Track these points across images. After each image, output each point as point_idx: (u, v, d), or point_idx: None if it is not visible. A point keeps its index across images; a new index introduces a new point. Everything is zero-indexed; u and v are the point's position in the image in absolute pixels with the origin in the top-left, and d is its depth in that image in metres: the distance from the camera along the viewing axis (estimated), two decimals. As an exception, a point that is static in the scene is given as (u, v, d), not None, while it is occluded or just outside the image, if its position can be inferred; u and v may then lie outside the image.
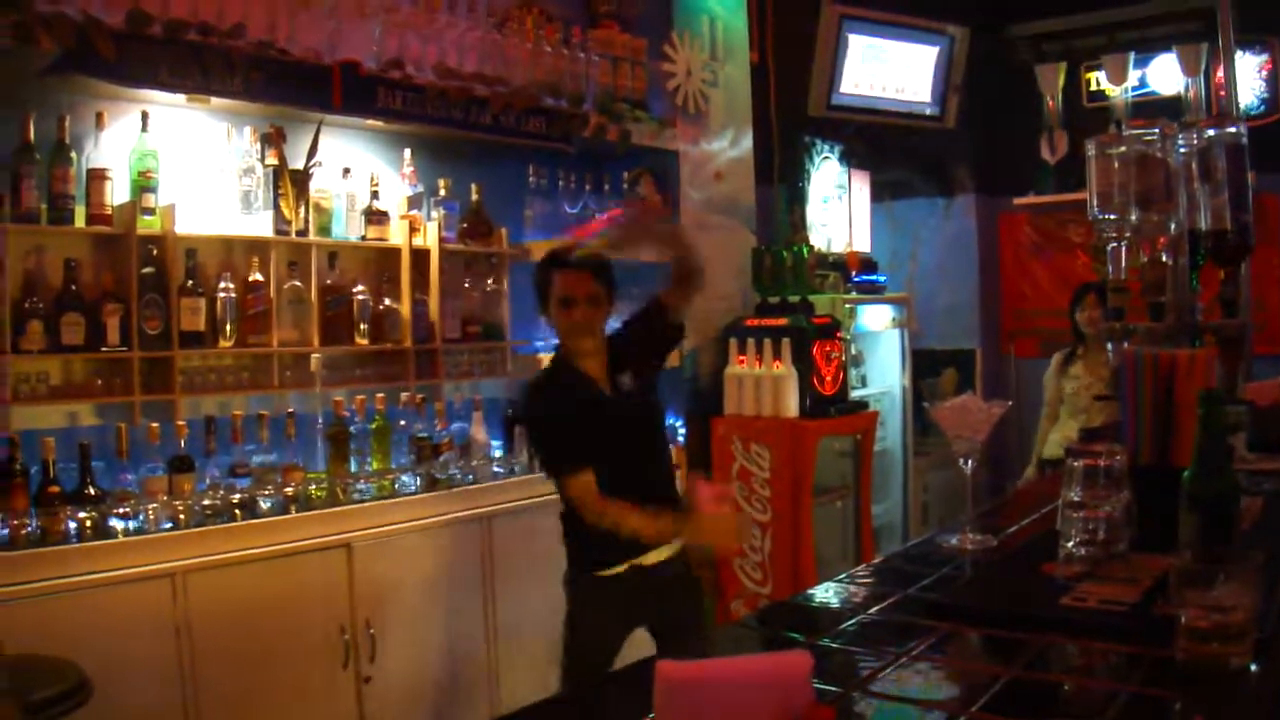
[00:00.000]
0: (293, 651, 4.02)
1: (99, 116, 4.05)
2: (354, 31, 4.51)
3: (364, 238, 4.84)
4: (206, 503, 3.98)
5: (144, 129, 4.13)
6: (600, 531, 3.51)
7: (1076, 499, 2.35)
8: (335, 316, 4.67)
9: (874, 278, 7.04)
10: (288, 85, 4.33)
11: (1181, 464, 2.12)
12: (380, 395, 4.71)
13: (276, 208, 4.46)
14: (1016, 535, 2.89)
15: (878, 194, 7.88)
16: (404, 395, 4.81)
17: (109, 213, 4.03)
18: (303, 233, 4.55)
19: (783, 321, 5.79)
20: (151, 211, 4.10)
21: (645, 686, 1.43)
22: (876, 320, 6.98)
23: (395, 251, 4.94)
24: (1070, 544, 2.36)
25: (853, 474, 6.19)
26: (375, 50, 4.59)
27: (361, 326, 4.74)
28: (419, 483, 4.65)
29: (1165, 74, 7.78)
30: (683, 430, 6.00)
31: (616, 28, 5.80)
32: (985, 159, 8.55)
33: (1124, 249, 3.11)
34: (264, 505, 4.11)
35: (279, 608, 3.99)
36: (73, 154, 3.95)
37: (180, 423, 4.06)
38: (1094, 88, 8.15)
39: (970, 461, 2.86)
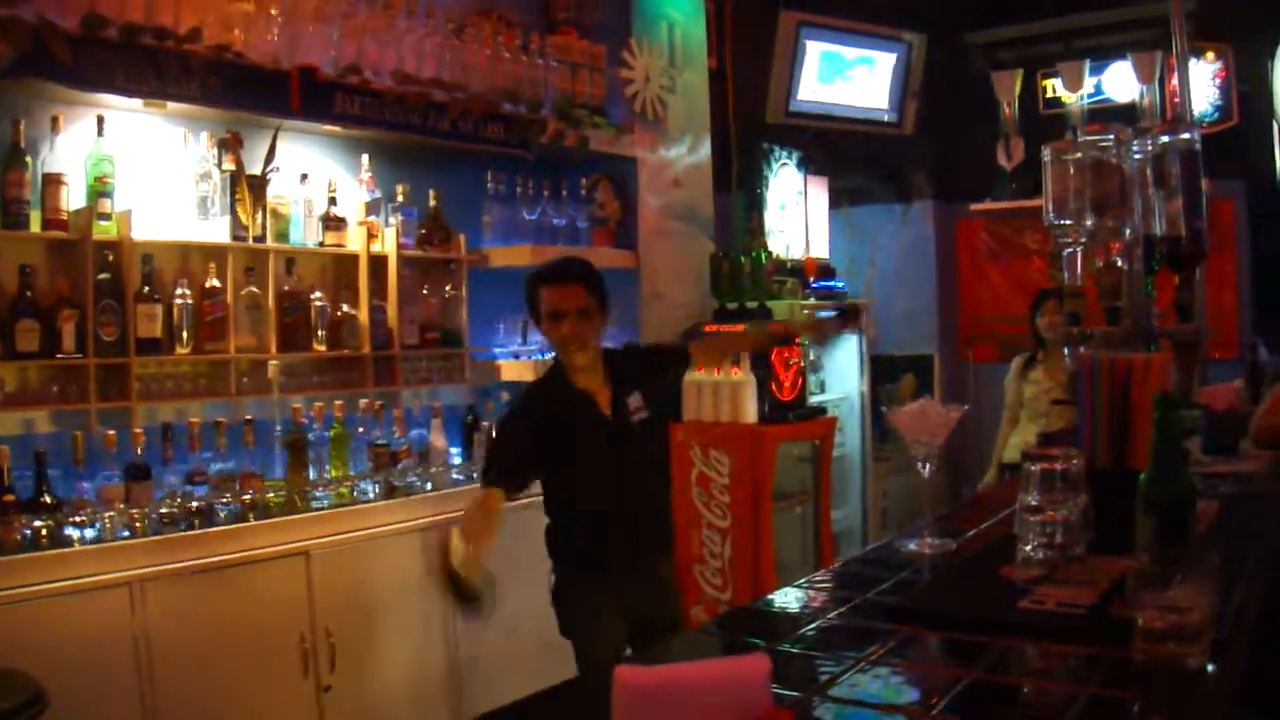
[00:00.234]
0: (252, 660, 4.00)
1: (54, 120, 4.02)
2: (312, 36, 4.50)
3: (322, 244, 4.82)
4: (164, 511, 3.95)
5: (100, 133, 4.11)
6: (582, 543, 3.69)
7: (1034, 503, 2.36)
8: (293, 323, 4.65)
9: (832, 284, 7.06)
10: (245, 90, 4.30)
11: (1138, 467, 2.14)
12: (338, 402, 4.70)
13: (233, 213, 4.43)
14: (975, 539, 2.89)
15: (836, 200, 7.91)
16: (362, 402, 4.81)
17: (64, 218, 4.00)
18: (260, 239, 4.53)
19: (741, 327, 5.79)
20: (108, 217, 4.07)
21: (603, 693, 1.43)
22: (835, 326, 6.99)
23: (353, 258, 4.92)
24: (1028, 547, 2.37)
25: (812, 479, 6.19)
26: (333, 55, 4.58)
27: (319, 333, 4.72)
28: (378, 490, 4.64)
29: (1120, 81, 7.87)
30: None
31: (575, 34, 5.81)
32: (943, 165, 8.60)
33: (1080, 254, 3.13)
34: (222, 513, 4.09)
35: (238, 616, 3.96)
36: (28, 158, 3.92)
37: (137, 430, 4.04)
38: (1050, 95, 8.23)
39: (928, 465, 2.87)
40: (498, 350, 5.51)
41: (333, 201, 4.84)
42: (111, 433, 3.97)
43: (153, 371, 4.22)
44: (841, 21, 7.68)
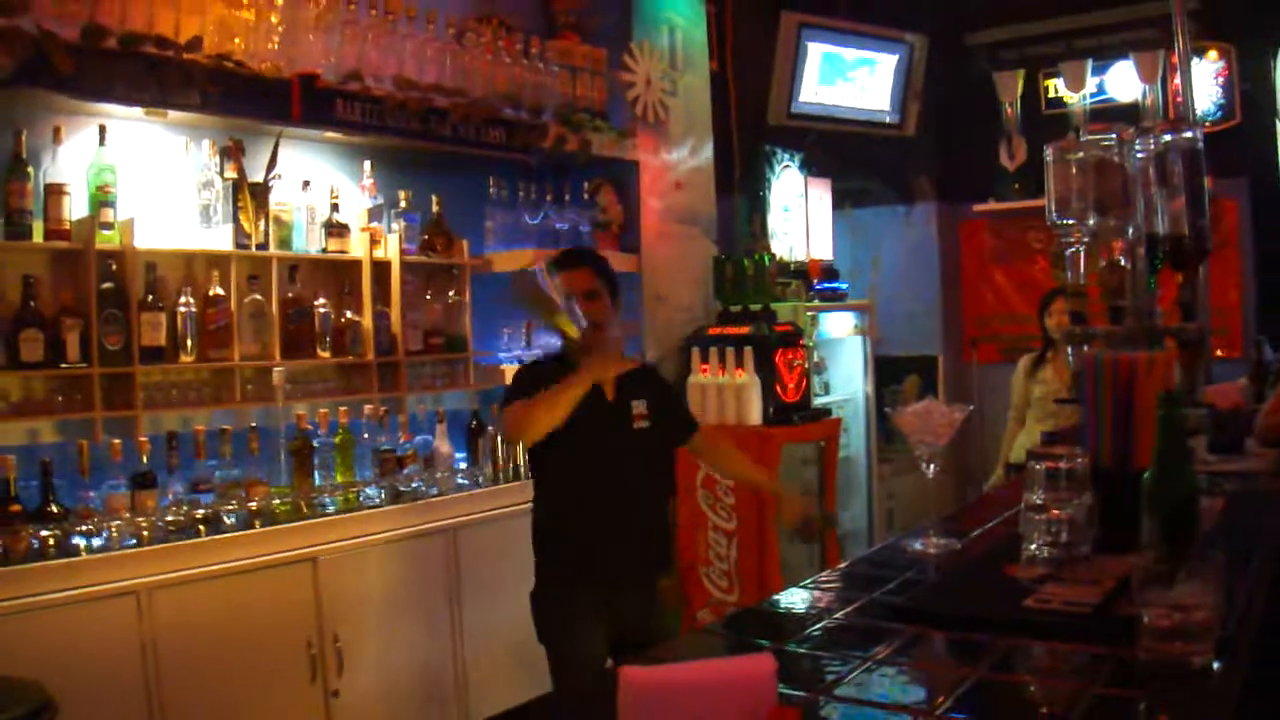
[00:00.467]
0: (259, 667, 4.01)
1: (56, 131, 4.03)
2: (312, 44, 4.50)
3: (324, 250, 4.82)
4: (170, 519, 3.96)
5: (102, 143, 4.11)
6: (570, 544, 3.64)
7: (1039, 502, 2.36)
8: (297, 330, 4.65)
9: (836, 285, 7.06)
10: (246, 98, 4.30)
11: (1142, 466, 2.14)
12: (343, 408, 4.71)
13: (236, 221, 4.44)
14: (980, 539, 2.89)
15: (839, 202, 7.92)
16: (367, 408, 4.81)
17: (67, 228, 4.01)
18: (263, 246, 4.53)
19: (745, 330, 5.80)
20: (110, 226, 4.08)
21: (610, 693, 1.43)
22: (839, 328, 7.01)
23: (356, 264, 4.93)
24: (1033, 546, 2.37)
25: (817, 481, 6.19)
26: (334, 62, 4.58)
27: (323, 340, 4.73)
28: (383, 496, 4.64)
29: (1123, 81, 7.87)
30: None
31: (576, 38, 5.81)
32: (945, 166, 8.61)
33: (1083, 254, 3.13)
34: (228, 520, 4.09)
35: (245, 623, 3.97)
36: (29, 169, 3.93)
37: (142, 439, 4.04)
38: (1052, 94, 8.23)
39: (933, 466, 2.86)
40: (501, 355, 5.51)
41: (335, 208, 4.84)
42: (117, 441, 3.97)
43: (157, 380, 4.22)
44: (843, 23, 7.68)
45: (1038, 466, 2.37)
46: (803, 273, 6.94)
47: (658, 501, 3.95)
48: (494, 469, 5.12)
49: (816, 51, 7.52)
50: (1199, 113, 7.28)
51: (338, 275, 4.95)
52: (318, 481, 4.55)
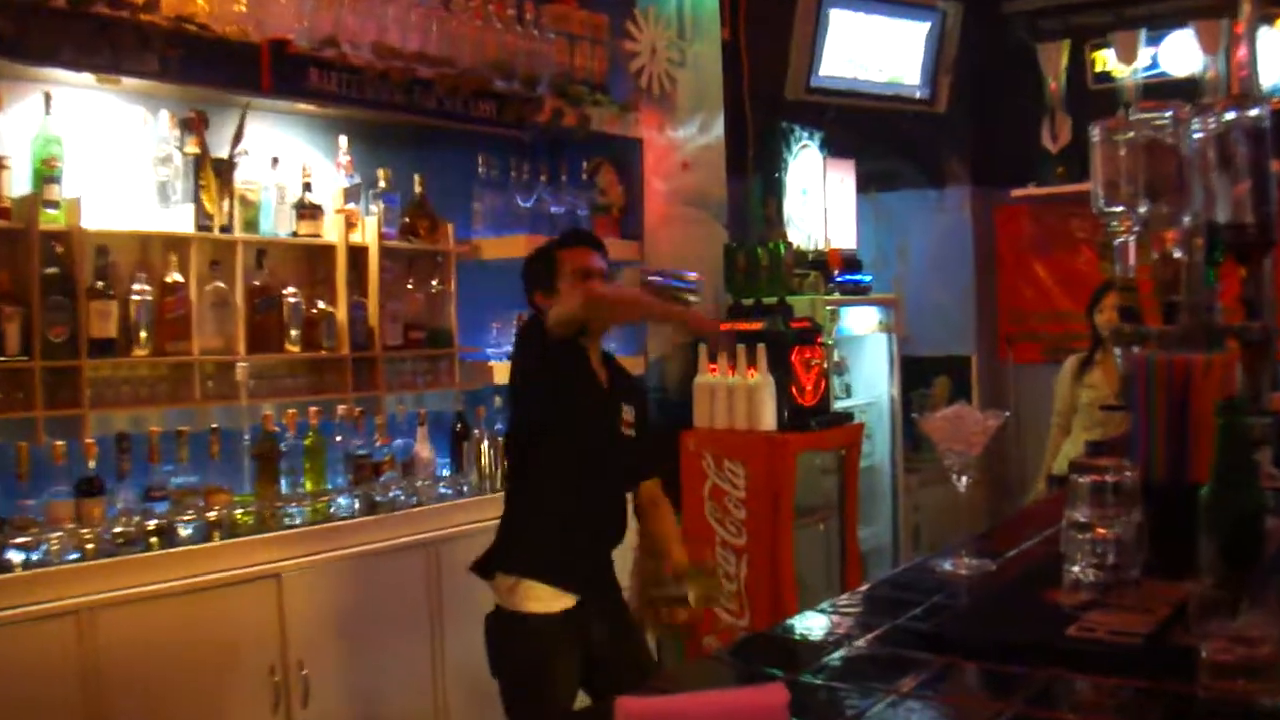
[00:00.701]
0: (216, 696, 3.99)
1: (-4, 99, 4.01)
2: (284, 6, 4.48)
3: (295, 234, 4.81)
4: (118, 530, 3.93)
5: (47, 112, 4.09)
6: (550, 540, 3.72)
7: (1082, 519, 2.35)
8: (263, 321, 4.64)
9: (858, 277, 7.04)
10: (209, 65, 4.29)
11: (1199, 480, 2.12)
12: (314, 408, 4.69)
13: (197, 201, 4.41)
14: (1017, 559, 2.89)
15: (862, 185, 7.88)
16: (340, 408, 4.79)
17: (7, 205, 3.98)
18: (227, 228, 4.52)
19: (758, 325, 5.78)
20: (56, 205, 4.05)
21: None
22: (861, 324, 6.98)
23: (330, 249, 4.91)
24: (1076, 569, 2.35)
25: (837, 493, 6.18)
26: (307, 27, 4.57)
27: (292, 332, 4.71)
28: (357, 505, 4.63)
29: (1179, 53, 7.80)
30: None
31: (574, 3, 5.80)
32: (980, 147, 8.57)
33: (1133, 244, 3.11)
34: (183, 532, 4.08)
35: (200, 647, 3.95)
36: (-34, 141, 3.91)
37: (89, 440, 4.02)
38: (1100, 68, 8.16)
39: (965, 478, 2.86)
40: (490, 351, 5.50)
41: (307, 188, 4.83)
42: (60, 444, 3.95)
43: (106, 375, 4.20)
44: (868, -12, 7.66)
45: (1082, 480, 2.36)
46: (822, 263, 6.91)
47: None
48: (480, 477, 5.12)
49: (839, 19, 7.49)
50: (1266, 87, 7.23)
51: (309, 261, 4.94)
52: (284, 489, 4.53)
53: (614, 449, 3.86)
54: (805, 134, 7.34)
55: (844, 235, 7.54)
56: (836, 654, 2.19)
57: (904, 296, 7.52)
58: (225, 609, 4.03)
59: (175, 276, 4.36)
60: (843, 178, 7.61)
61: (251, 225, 4.64)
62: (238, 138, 4.57)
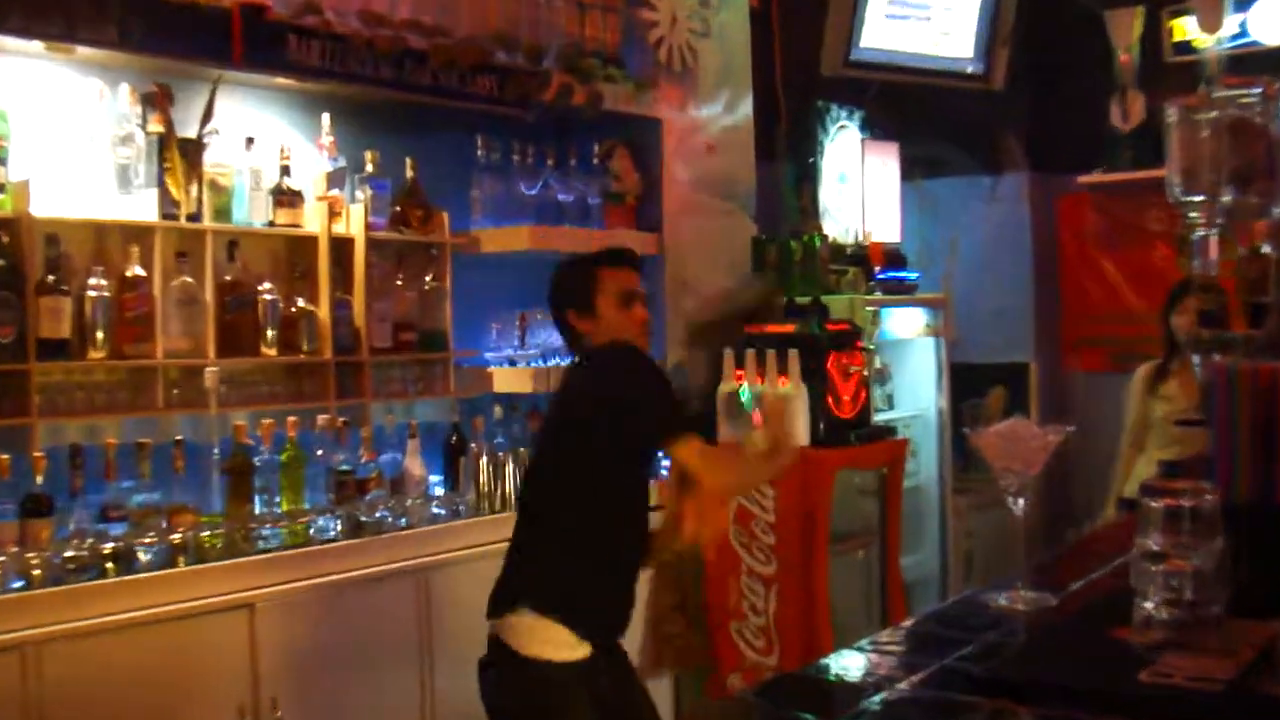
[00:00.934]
0: (179, 739, 3.98)
1: (-66, 71, 4.03)
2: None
3: (272, 224, 4.83)
4: (70, 554, 3.93)
5: (-8, 86, 4.11)
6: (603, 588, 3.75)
7: (1156, 548, 2.32)
8: (235, 321, 4.65)
9: (903, 274, 7.03)
10: (175, 33, 4.31)
11: (1289, 504, 2.10)
12: (291, 419, 4.70)
13: (162, 186, 4.42)
14: (1082, 593, 2.87)
15: (908, 171, 7.86)
16: (321, 419, 4.80)
17: (-53, 190, 3.99)
18: (195, 217, 4.52)
19: (790, 328, 5.75)
20: (1, 189, 4.06)
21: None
22: (906, 326, 6.96)
23: (311, 241, 4.93)
24: (1149, 605, 2.33)
25: (878, 516, 6.16)
26: (286, -11, 4.58)
27: (268, 333, 4.73)
28: (339, 527, 4.63)
29: (1272, 19, 7.76)
30: (667, 461, 5.96)
31: (585, -35, 5.80)
32: (1041, 127, 8.56)
33: (1215, 239, 3.08)
34: (143, 557, 4.06)
35: (161, 687, 3.94)
36: (-100, 117, 3.92)
37: (37, 454, 4.02)
38: (1179, 37, 8.12)
39: (1022, 500, 2.84)
40: (489, 355, 5.50)
41: (285, 171, 4.84)
42: (5, 457, 3.96)
43: (58, 380, 4.20)
44: (916, -51, 7.66)
45: (1154, 504, 2.33)
46: (862, 258, 6.91)
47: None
48: (477, 496, 5.13)
49: (883, -15, 7.49)
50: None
51: (288, 254, 4.95)
52: (258, 509, 4.53)
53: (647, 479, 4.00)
54: (844, 114, 7.33)
55: (887, 227, 7.52)
56: (876, 698, 2.16)
57: (954, 296, 7.50)
58: (190, 643, 4.02)
59: (136, 270, 4.35)
60: (885, 162, 7.58)
61: (222, 213, 4.64)
62: (207, 115, 4.57)
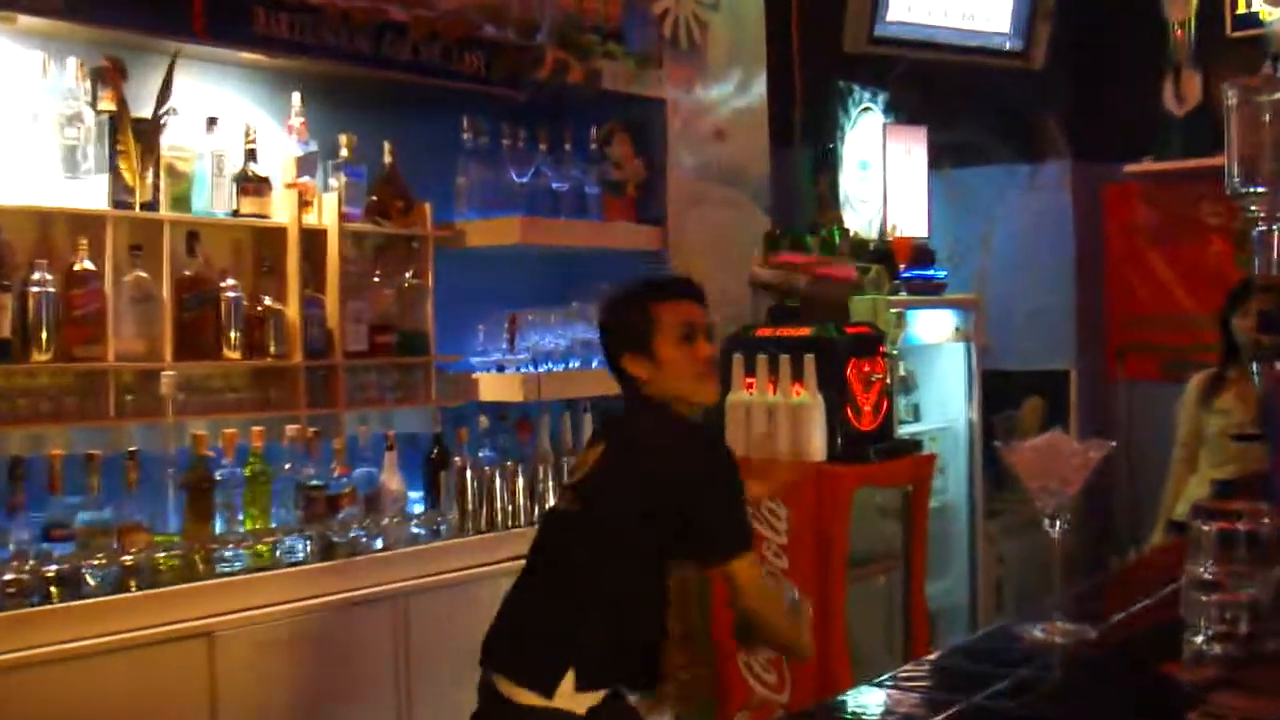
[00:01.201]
0: (130, 781, 3.98)
1: None
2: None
3: (236, 213, 4.82)
4: (9, 577, 3.92)
5: (-76, 59, 4.12)
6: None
7: (1209, 577, 2.33)
8: (195, 320, 4.64)
9: (930, 273, 7.04)
10: (128, 1, 4.29)
11: (1356, 529, 2.09)
12: (257, 428, 4.70)
13: (114, 170, 4.41)
14: (1125, 625, 2.90)
15: (937, 159, 7.88)
16: (290, 429, 4.80)
17: (-126, 175, 4.01)
18: (151, 205, 4.52)
19: (806, 332, 5.74)
20: (-65, 173, 4.07)
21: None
22: (934, 330, 6.97)
23: (279, 232, 4.93)
24: (1200, 638, 2.34)
25: (901, 539, 6.15)
26: (252, -44, 4.59)
27: (231, 335, 4.72)
28: (309, 548, 4.63)
29: (1349, -11, 7.77)
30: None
31: (583, -71, 5.81)
32: (1085, 111, 8.56)
33: (1277, 234, 3.09)
34: (92, 581, 4.06)
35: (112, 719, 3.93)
36: None
37: (-26, 466, 4.02)
38: (1242, 9, 8.11)
39: (1059, 522, 2.85)
40: (475, 360, 5.51)
41: (251, 156, 4.83)
42: (-60, 469, 3.96)
43: None
44: (947, -87, 7.67)
45: (1207, 528, 2.34)
46: (886, 254, 6.92)
47: None
48: (460, 515, 5.12)
49: (911, -47, 7.50)
50: None
51: (254, 247, 4.95)
52: (219, 528, 4.53)
53: None
54: (867, 95, 7.35)
55: (913, 220, 7.54)
56: (897, 740, 2.17)
57: (986, 297, 7.51)
58: (143, 676, 4.01)
59: (86, 264, 4.34)
60: (911, 149, 7.59)
61: (181, 202, 4.63)
62: (164, 93, 4.56)
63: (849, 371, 5.65)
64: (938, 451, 6.61)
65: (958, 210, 8.43)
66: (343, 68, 4.97)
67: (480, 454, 5.25)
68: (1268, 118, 3.02)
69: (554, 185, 5.66)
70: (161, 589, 4.15)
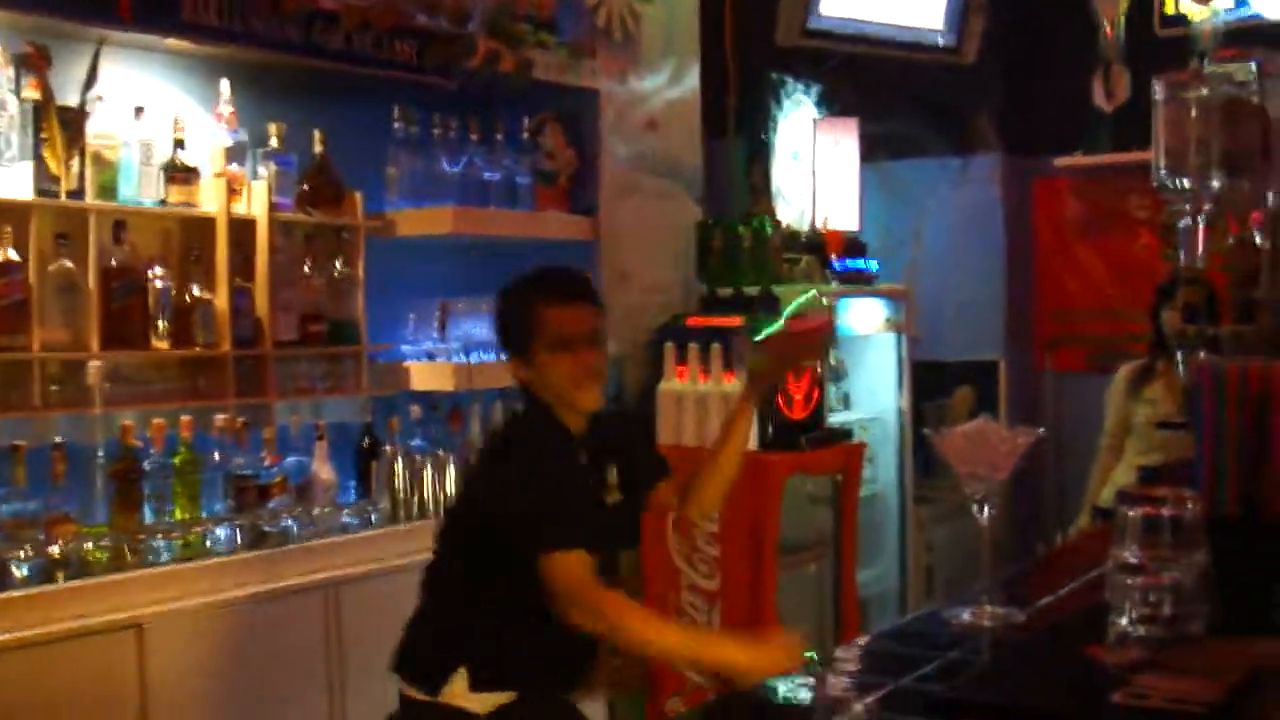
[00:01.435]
0: (57, 774, 3.96)
1: None
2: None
3: (163, 202, 4.77)
4: (-66, 569, 3.90)
5: None
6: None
7: (1133, 561, 2.35)
8: (123, 310, 4.60)
9: (861, 264, 7.05)
10: (53, -14, 4.27)
11: (1278, 516, 2.11)
12: (186, 418, 4.67)
13: (38, 159, 4.36)
14: (1052, 608, 2.92)
15: (869, 151, 7.88)
16: (219, 418, 4.77)
17: None
18: (76, 194, 4.47)
19: (737, 321, 5.77)
20: None
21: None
22: (864, 321, 6.99)
23: (208, 222, 4.88)
24: (1124, 621, 2.36)
25: (831, 527, 6.19)
26: (180, -59, 4.56)
27: (159, 324, 4.67)
28: (239, 538, 4.62)
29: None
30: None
31: (515, -81, 5.79)
32: (1016, 105, 8.61)
33: (1202, 227, 3.10)
34: (18, 573, 4.04)
35: (38, 715, 3.90)
36: None
37: (-104, 457, 3.99)
38: (1171, 9, 8.16)
39: (988, 508, 2.86)
40: (406, 349, 5.49)
41: (179, 145, 4.79)
42: None
43: (-78, 377, 4.17)
44: (879, -93, 7.68)
45: (1132, 513, 2.35)
46: (817, 245, 6.94)
47: None
48: (392, 504, 5.13)
49: (844, -55, 7.51)
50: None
51: (182, 236, 4.90)
52: (148, 518, 4.49)
53: (611, 542, 3.82)
54: (800, 88, 7.36)
55: (844, 212, 7.54)
56: (827, 723, 2.17)
57: (917, 288, 7.54)
58: (71, 667, 3.98)
59: (9, 254, 4.29)
60: (841, 141, 7.59)
61: (108, 190, 4.58)
62: (90, 81, 4.54)
63: (780, 361, 5.67)
64: (868, 440, 6.66)
65: (890, 202, 8.45)
66: (272, 56, 4.94)
67: (412, 443, 5.24)
68: (1194, 113, 3.04)
69: (486, 175, 5.64)
70: (90, 580, 4.12)
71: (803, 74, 7.41)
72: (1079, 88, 8.13)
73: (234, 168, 4.93)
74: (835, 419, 6.50)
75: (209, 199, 4.86)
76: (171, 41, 4.74)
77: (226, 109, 4.97)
